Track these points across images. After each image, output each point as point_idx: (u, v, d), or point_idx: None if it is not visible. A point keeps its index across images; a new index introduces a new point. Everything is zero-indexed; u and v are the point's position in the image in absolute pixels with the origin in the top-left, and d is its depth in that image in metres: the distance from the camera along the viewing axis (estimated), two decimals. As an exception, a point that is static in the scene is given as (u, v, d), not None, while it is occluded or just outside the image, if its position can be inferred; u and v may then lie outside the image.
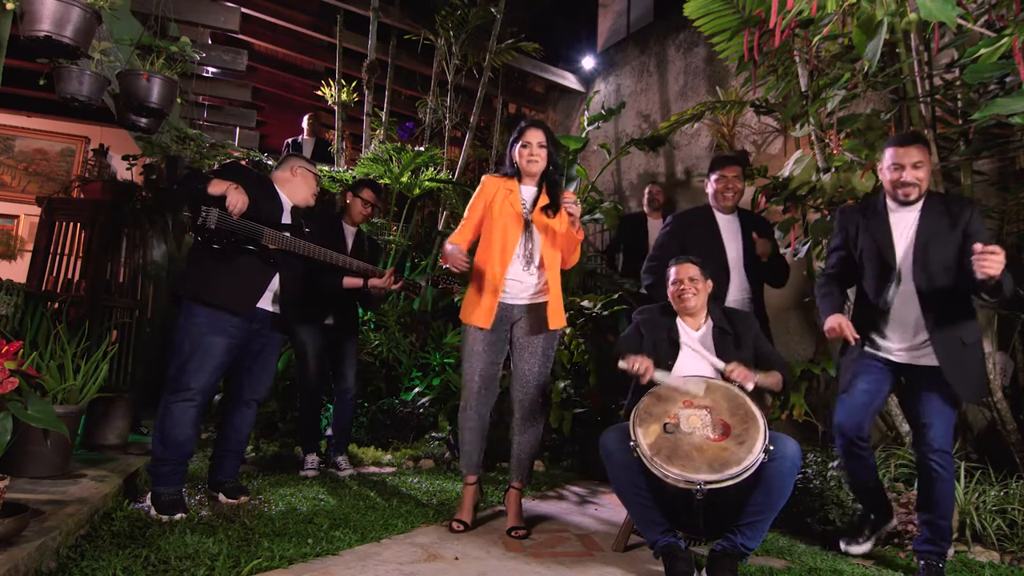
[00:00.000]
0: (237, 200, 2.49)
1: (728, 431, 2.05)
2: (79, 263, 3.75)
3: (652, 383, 2.25)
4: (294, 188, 2.85)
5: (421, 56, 6.43)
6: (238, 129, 6.86)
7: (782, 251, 3.63)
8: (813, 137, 3.36)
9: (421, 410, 4.26)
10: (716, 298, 2.66)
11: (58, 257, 3.73)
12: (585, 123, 5.52)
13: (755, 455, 1.97)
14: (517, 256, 2.58)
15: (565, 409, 4.04)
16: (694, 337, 2.45)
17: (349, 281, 3.20)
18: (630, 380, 2.34)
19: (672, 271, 2.48)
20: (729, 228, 3.11)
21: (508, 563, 2.18)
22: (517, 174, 2.68)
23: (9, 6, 2.37)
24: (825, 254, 2.94)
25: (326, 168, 5.38)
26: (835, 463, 2.83)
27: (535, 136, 2.62)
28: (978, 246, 1.98)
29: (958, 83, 3.07)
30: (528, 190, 2.66)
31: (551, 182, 2.64)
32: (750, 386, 2.22)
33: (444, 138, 6.27)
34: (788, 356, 4.26)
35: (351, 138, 6.87)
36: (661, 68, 6.07)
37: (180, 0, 3.98)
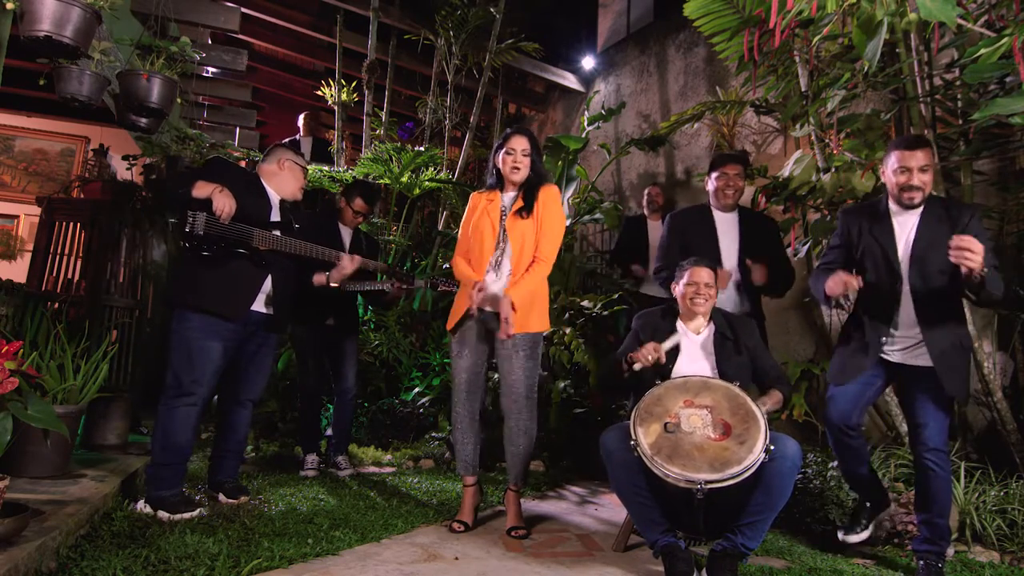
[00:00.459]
0: (224, 204, 2.44)
1: (729, 431, 2.05)
2: (79, 263, 3.75)
3: (661, 377, 2.29)
4: (281, 182, 2.78)
5: (421, 56, 6.43)
6: (238, 129, 6.85)
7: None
8: (813, 137, 3.36)
9: (421, 410, 4.26)
10: None
11: (58, 257, 3.73)
12: (585, 123, 5.51)
13: (756, 455, 1.97)
14: (490, 265, 2.60)
15: (565, 409, 4.04)
16: (695, 341, 2.46)
17: (317, 279, 3.11)
18: (635, 382, 2.36)
19: (687, 273, 2.47)
20: (726, 226, 3.12)
21: (508, 563, 2.18)
22: (500, 182, 2.69)
23: (9, 6, 2.37)
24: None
25: (326, 168, 5.38)
26: (835, 463, 2.83)
27: (520, 143, 2.61)
28: (955, 237, 1.98)
29: (958, 83, 3.07)
30: (509, 197, 2.67)
31: (529, 187, 2.63)
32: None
33: (444, 138, 6.27)
34: (788, 356, 4.26)
35: (351, 138, 6.87)
36: (661, 68, 6.07)
37: (180, 0, 3.97)
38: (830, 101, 3.11)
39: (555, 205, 2.63)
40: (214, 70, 5.62)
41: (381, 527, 2.44)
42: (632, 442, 2.06)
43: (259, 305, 2.65)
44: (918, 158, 2.23)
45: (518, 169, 2.61)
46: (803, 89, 3.37)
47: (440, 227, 5.77)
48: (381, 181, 5.26)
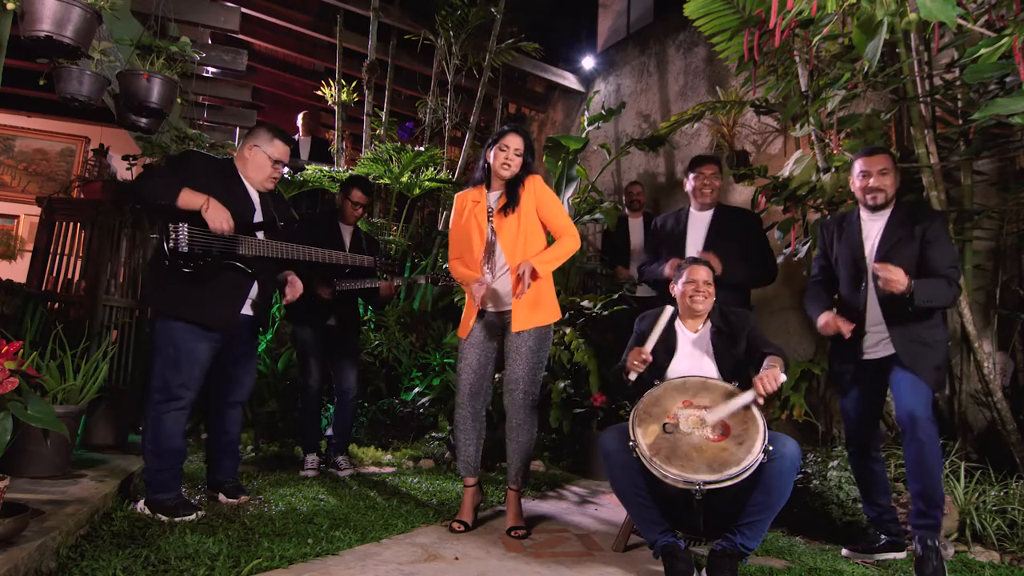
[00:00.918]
0: (219, 219, 2.30)
1: (727, 431, 2.05)
2: (79, 263, 3.74)
3: (660, 379, 2.33)
4: (248, 170, 2.61)
5: (421, 56, 6.42)
6: (238, 129, 6.84)
7: (784, 251, 3.63)
8: (813, 137, 3.36)
9: (421, 410, 4.26)
10: None
11: (58, 257, 3.72)
12: (585, 123, 5.51)
13: (754, 455, 1.97)
14: (484, 265, 2.61)
15: (565, 409, 4.04)
16: (692, 339, 2.46)
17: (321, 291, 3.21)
18: (639, 390, 2.36)
19: (686, 272, 2.48)
20: (698, 223, 3.23)
21: (508, 563, 2.18)
22: (487, 178, 2.68)
23: (9, 6, 2.36)
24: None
25: (325, 168, 5.38)
26: (835, 463, 2.83)
27: (514, 142, 2.61)
28: (878, 266, 2.23)
29: (958, 83, 3.07)
30: (494, 196, 2.67)
31: (513, 183, 2.62)
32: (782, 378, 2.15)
33: (444, 138, 6.27)
34: (788, 356, 4.25)
35: (351, 138, 6.87)
36: (661, 68, 6.07)
37: (180, 0, 3.97)
38: (830, 101, 3.11)
39: (541, 187, 2.64)
40: (214, 70, 5.60)
41: (381, 527, 2.44)
42: (631, 443, 2.06)
43: (245, 309, 2.60)
44: (877, 162, 2.45)
45: (508, 167, 2.60)
46: (803, 89, 3.37)
47: (440, 227, 5.78)
48: (381, 181, 5.26)
